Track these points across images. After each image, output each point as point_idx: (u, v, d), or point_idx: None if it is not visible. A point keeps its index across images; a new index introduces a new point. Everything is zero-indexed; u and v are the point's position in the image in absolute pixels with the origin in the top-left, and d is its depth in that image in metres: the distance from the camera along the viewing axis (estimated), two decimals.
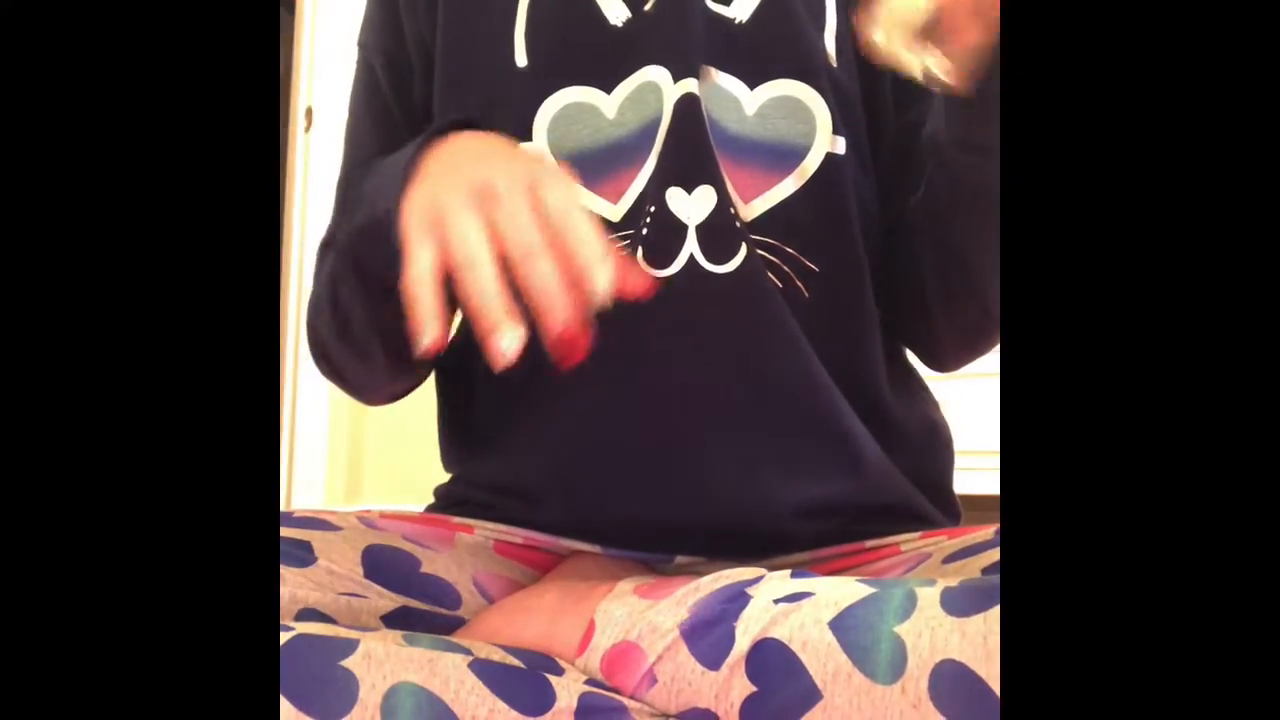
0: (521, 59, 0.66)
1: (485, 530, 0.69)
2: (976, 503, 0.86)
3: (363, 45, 0.76)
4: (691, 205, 0.63)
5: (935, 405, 0.74)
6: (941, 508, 0.70)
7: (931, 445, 0.72)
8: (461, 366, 0.72)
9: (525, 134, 0.65)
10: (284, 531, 0.59)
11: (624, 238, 0.64)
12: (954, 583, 0.49)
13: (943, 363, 0.75)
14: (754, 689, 0.50)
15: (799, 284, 0.65)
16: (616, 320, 0.64)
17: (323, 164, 2.50)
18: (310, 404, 2.45)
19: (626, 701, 0.52)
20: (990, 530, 0.61)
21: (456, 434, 0.74)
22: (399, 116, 0.74)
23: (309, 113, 2.51)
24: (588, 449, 0.65)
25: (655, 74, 0.64)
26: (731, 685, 0.50)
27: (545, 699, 0.50)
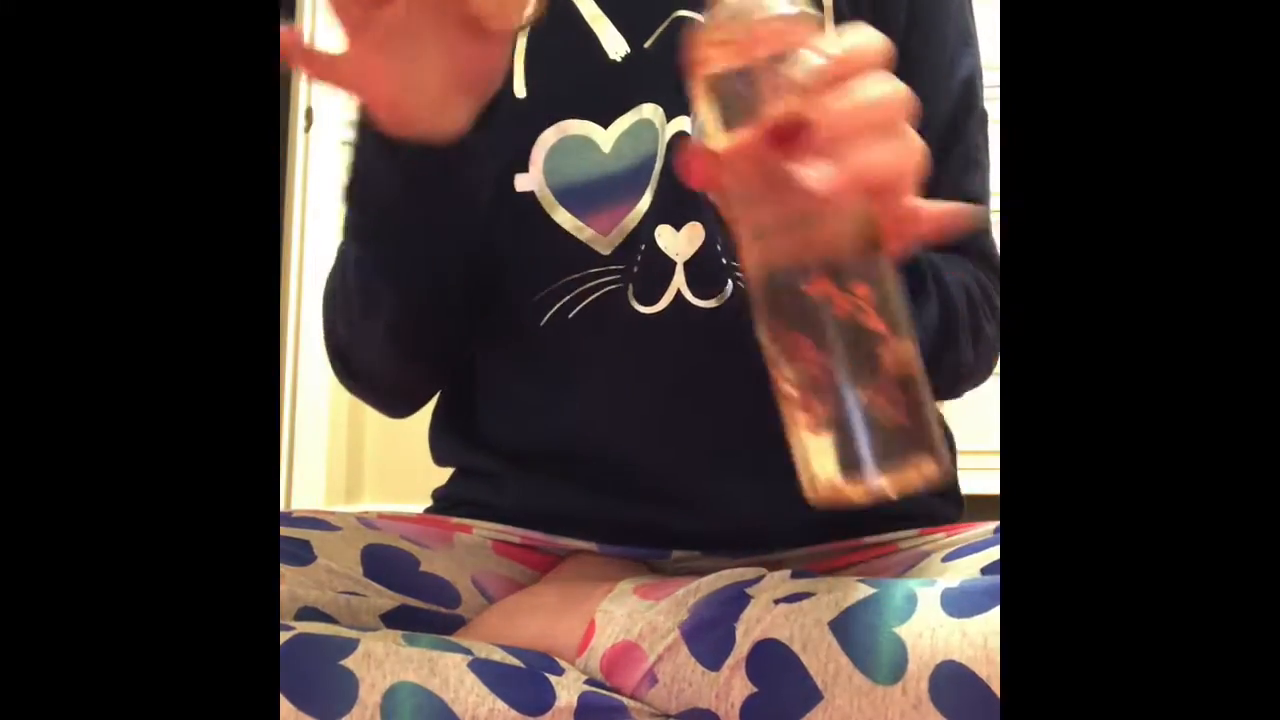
0: (520, 90, 0.66)
1: (484, 530, 0.69)
2: (976, 503, 0.86)
3: None
4: (680, 241, 0.64)
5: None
6: (942, 504, 0.71)
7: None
8: (467, 367, 0.72)
9: (522, 165, 0.65)
10: (284, 531, 0.59)
11: (614, 272, 0.64)
12: (954, 583, 0.49)
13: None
14: (754, 689, 0.49)
15: None
16: (607, 356, 0.65)
17: (323, 164, 2.50)
18: (310, 404, 2.44)
19: (626, 701, 0.52)
20: (989, 528, 0.61)
21: (452, 429, 0.74)
22: None
23: (309, 113, 2.50)
24: (573, 464, 0.67)
25: (650, 111, 0.65)
26: (732, 685, 0.50)
27: (545, 698, 0.50)
